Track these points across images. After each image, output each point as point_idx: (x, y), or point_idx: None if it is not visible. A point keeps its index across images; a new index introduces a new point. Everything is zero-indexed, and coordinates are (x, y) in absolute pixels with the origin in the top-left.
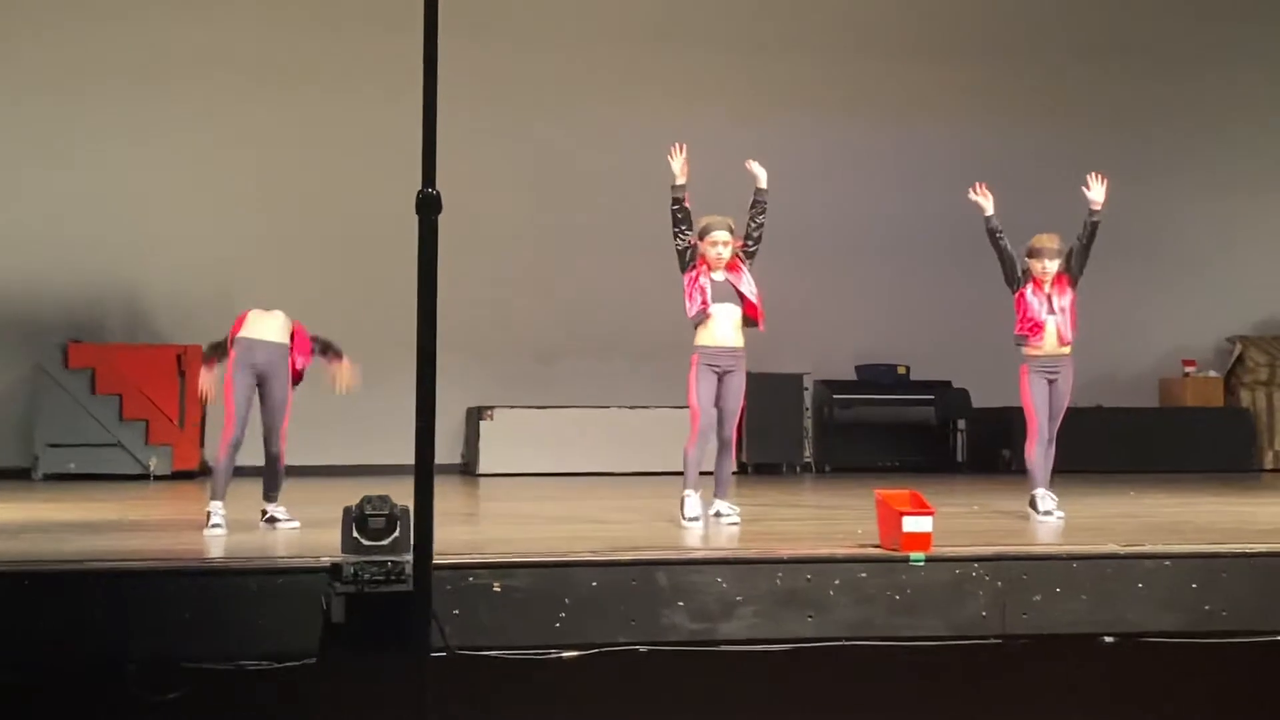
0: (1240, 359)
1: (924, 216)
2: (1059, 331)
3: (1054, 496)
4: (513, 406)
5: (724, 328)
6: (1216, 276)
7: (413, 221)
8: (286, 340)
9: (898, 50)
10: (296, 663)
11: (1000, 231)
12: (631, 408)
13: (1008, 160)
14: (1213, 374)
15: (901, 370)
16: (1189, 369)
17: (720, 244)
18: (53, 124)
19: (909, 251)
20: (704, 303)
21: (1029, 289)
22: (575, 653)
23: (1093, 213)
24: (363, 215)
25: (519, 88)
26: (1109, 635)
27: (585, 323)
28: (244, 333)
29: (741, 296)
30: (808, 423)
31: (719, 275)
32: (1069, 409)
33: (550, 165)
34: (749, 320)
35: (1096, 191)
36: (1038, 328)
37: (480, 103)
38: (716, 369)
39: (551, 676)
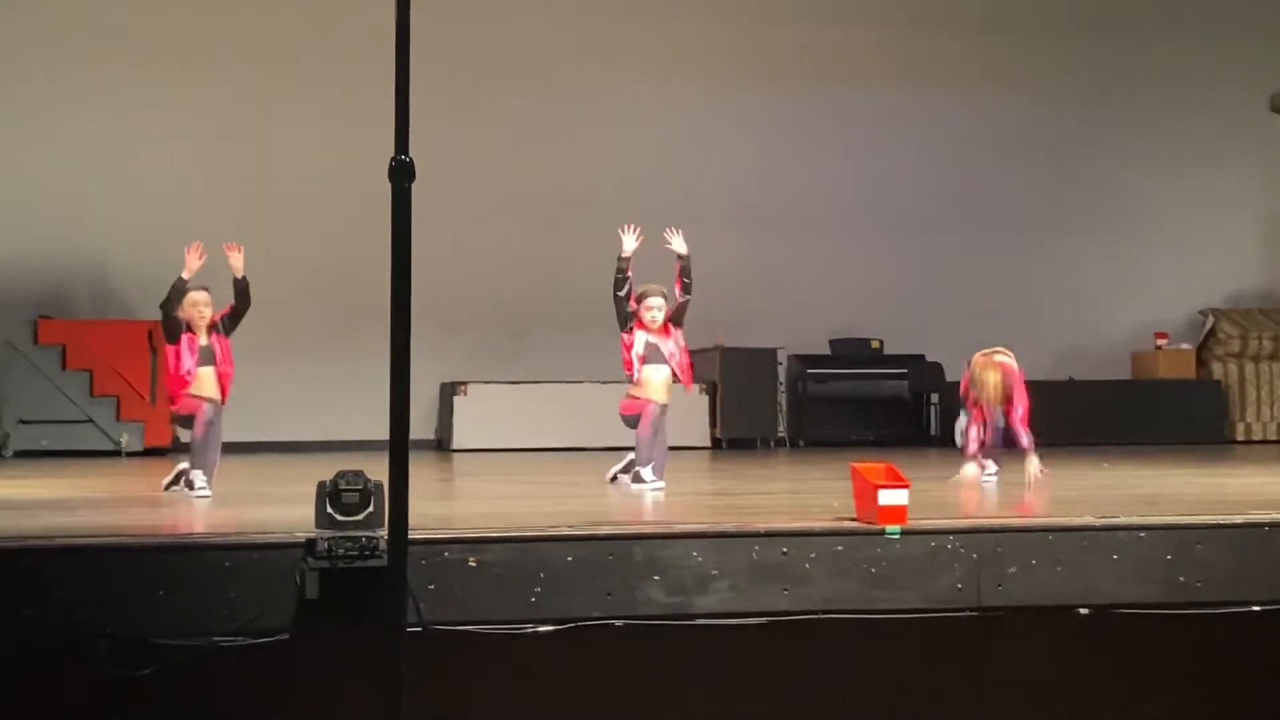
0: (1212, 331)
1: (897, 190)
2: None
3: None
4: (487, 382)
5: (656, 386)
6: (1188, 249)
7: (384, 195)
8: (219, 397)
9: (871, 21)
10: (270, 639)
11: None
12: (605, 383)
13: (976, 134)
14: (1185, 346)
15: (875, 344)
16: (1161, 341)
17: (655, 309)
18: (21, 101)
19: (882, 225)
20: (639, 363)
21: None
22: (551, 627)
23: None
24: (332, 189)
25: (492, 58)
26: (1084, 607)
27: (559, 297)
28: (201, 392)
29: (669, 358)
30: (782, 397)
31: (653, 338)
32: (1041, 381)
33: (524, 138)
34: (677, 378)
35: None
36: None
37: (454, 73)
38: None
39: (527, 651)
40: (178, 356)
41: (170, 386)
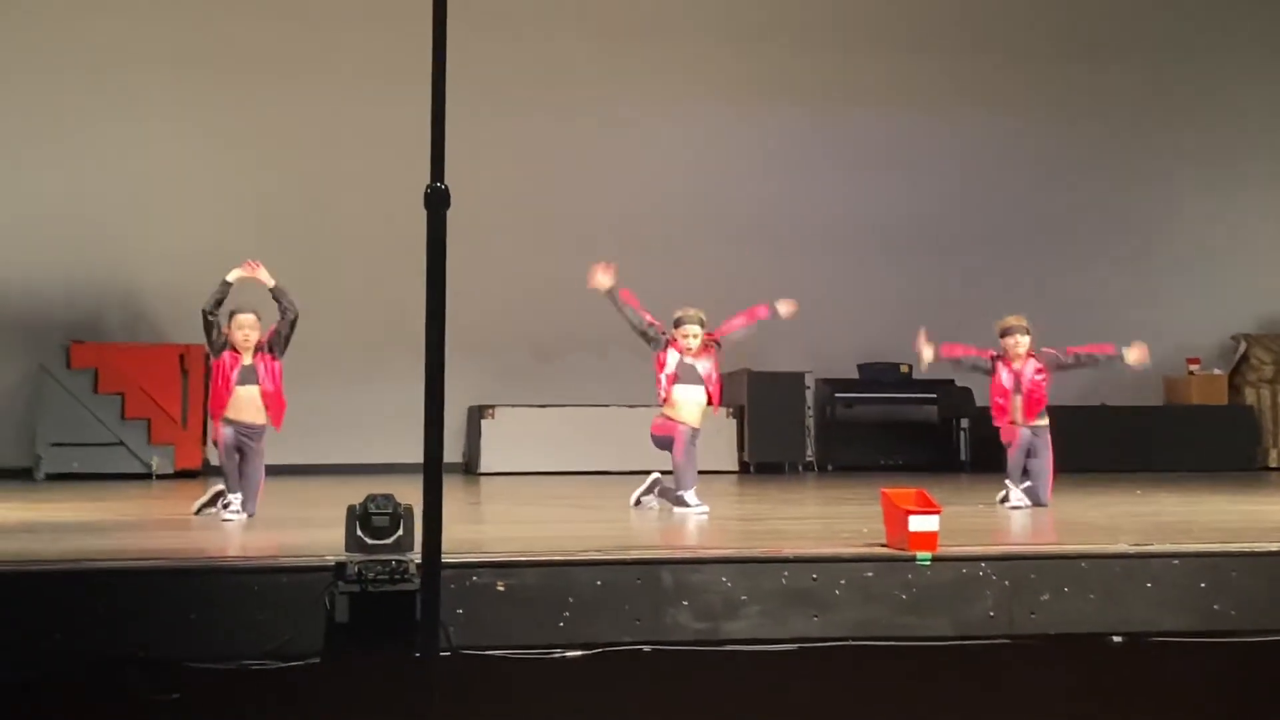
0: (1245, 357)
1: (927, 213)
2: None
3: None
4: (514, 405)
5: (689, 408)
6: (1221, 274)
7: (414, 218)
8: (263, 420)
9: (900, 45)
10: (300, 662)
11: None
12: (633, 406)
13: (1007, 157)
14: (1217, 372)
15: (904, 369)
16: (1193, 367)
17: (691, 336)
18: (55, 124)
19: (911, 249)
20: (668, 382)
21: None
22: (579, 652)
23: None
24: (364, 212)
25: (518, 82)
26: (1117, 635)
27: (586, 320)
28: (228, 413)
29: (705, 379)
30: (810, 421)
31: (688, 359)
32: (1073, 407)
33: (551, 160)
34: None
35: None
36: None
37: (481, 96)
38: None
39: (555, 676)
40: (219, 373)
41: (211, 404)
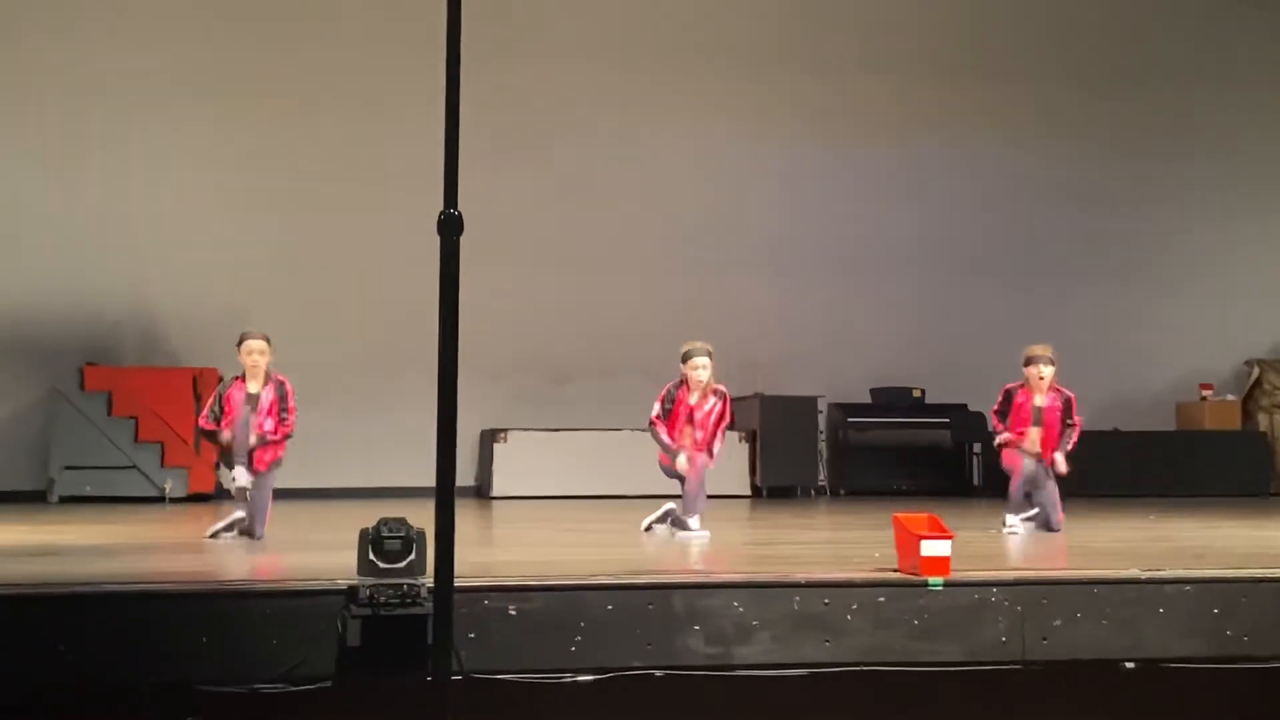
0: (1258, 382)
1: (938, 238)
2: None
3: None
4: (527, 429)
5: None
6: (1233, 299)
7: (429, 242)
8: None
9: (912, 70)
10: (312, 686)
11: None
12: (644, 430)
13: (1019, 181)
14: (1230, 397)
15: (916, 393)
16: (1206, 392)
17: (701, 368)
18: (68, 147)
19: (923, 273)
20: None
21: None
22: (590, 676)
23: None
24: (377, 236)
25: (532, 106)
26: (1130, 661)
27: (599, 344)
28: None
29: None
30: (822, 446)
31: (693, 399)
32: (1085, 432)
33: (565, 184)
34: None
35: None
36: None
37: (495, 121)
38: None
39: (566, 700)
40: (228, 406)
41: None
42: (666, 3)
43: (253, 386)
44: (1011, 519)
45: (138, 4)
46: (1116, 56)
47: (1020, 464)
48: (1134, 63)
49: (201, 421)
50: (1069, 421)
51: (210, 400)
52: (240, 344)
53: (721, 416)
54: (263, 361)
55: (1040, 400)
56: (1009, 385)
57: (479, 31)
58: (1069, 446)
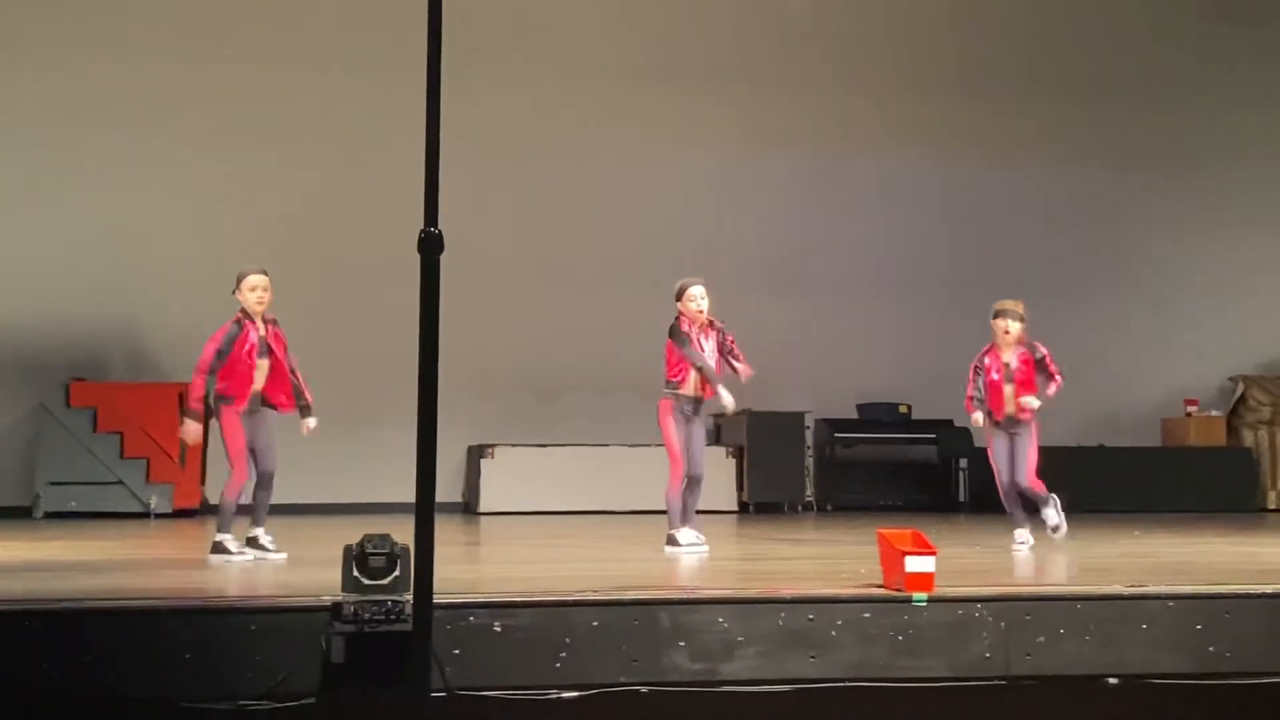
0: (1242, 398)
1: (925, 255)
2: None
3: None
4: (514, 444)
5: (694, 379)
6: (1218, 316)
7: (411, 257)
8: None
9: (899, 88)
10: (296, 703)
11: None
12: (633, 446)
13: (1006, 199)
14: (1215, 413)
15: (903, 409)
16: (1191, 408)
17: (699, 298)
18: (55, 164)
19: (910, 290)
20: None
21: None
22: (576, 693)
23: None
24: (362, 254)
25: (518, 124)
26: (1113, 677)
27: (586, 360)
28: (256, 386)
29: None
30: (809, 461)
31: (695, 332)
32: (1071, 448)
33: (551, 201)
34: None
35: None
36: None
37: (480, 138)
38: (685, 414)
39: (552, 717)
40: (241, 345)
41: (230, 385)
42: (652, 21)
43: (259, 329)
44: (1021, 533)
45: (125, 20)
46: (1103, 76)
47: (992, 444)
48: (1120, 82)
49: (202, 365)
50: (1051, 376)
51: (213, 346)
52: (240, 282)
53: (725, 349)
54: (267, 298)
55: (1008, 357)
56: (975, 361)
57: (460, 47)
58: (1049, 392)
